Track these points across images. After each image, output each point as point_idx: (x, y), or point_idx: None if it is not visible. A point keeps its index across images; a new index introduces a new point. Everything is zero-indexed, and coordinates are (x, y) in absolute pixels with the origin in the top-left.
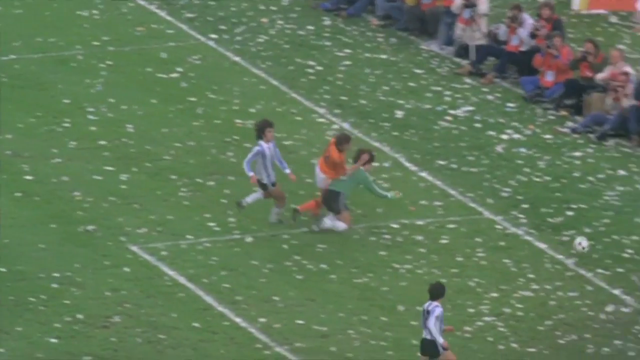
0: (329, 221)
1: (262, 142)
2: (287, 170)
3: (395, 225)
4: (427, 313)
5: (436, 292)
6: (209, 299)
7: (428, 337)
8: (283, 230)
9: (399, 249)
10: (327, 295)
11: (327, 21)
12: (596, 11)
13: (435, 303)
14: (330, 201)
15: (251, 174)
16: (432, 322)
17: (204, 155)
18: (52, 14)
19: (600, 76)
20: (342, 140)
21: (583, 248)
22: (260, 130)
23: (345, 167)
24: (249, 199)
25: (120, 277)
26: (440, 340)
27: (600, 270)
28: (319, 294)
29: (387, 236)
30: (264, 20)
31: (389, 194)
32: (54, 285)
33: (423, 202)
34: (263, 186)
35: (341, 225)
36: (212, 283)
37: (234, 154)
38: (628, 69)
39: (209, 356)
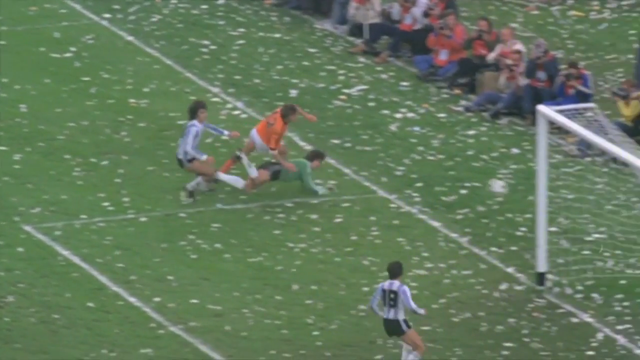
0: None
1: (196, 122)
2: (226, 132)
3: (289, 204)
4: (394, 293)
5: (397, 270)
6: (103, 279)
7: (392, 317)
8: (177, 210)
9: (293, 227)
10: (221, 275)
11: (220, 0)
12: None
13: (398, 282)
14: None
15: (203, 156)
16: (410, 302)
17: (98, 134)
18: None
19: (491, 55)
20: (289, 112)
21: (502, 187)
22: (194, 111)
23: (281, 142)
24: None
25: (13, 257)
26: (422, 311)
27: (494, 249)
28: (213, 273)
29: (281, 215)
30: None
31: (320, 190)
32: None
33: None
34: (184, 163)
35: (239, 182)
36: (106, 263)
37: (128, 133)
38: (520, 47)
39: (103, 335)
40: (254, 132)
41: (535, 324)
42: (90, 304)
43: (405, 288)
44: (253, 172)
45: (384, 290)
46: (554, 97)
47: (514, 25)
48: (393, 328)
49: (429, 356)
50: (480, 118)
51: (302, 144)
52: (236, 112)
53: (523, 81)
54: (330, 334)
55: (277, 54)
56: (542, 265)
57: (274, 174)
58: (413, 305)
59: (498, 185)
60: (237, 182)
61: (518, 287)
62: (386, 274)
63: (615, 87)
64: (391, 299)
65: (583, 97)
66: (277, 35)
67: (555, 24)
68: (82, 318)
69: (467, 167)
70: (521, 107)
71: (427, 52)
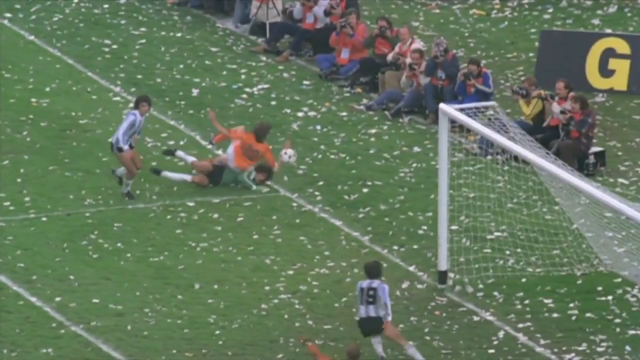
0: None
1: (136, 112)
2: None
3: (190, 204)
4: (372, 290)
5: (377, 270)
6: (3, 278)
7: (373, 314)
8: (79, 210)
9: (194, 227)
10: (122, 274)
11: None
12: None
13: (378, 281)
14: (217, 177)
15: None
16: (387, 299)
17: None
18: None
19: (390, 54)
20: (264, 132)
21: (289, 157)
22: (137, 102)
23: (272, 156)
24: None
25: None
26: (390, 317)
27: (395, 247)
28: (114, 272)
29: (182, 214)
30: None
31: (254, 186)
32: None
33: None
34: (114, 148)
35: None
36: (7, 262)
37: (29, 132)
38: (420, 45)
39: (3, 335)
40: (231, 153)
41: (436, 323)
42: None
43: (385, 286)
44: (190, 159)
45: (362, 289)
46: (455, 95)
47: (415, 23)
48: (375, 325)
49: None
50: (382, 117)
51: (204, 143)
52: None
53: (424, 80)
54: (232, 333)
55: (179, 53)
56: (443, 264)
57: (217, 169)
58: (388, 301)
59: (287, 156)
60: (185, 177)
61: (419, 286)
62: (289, 272)
63: (515, 86)
64: (370, 295)
65: (483, 96)
66: (179, 35)
67: (457, 22)
68: None
69: (369, 165)
70: (422, 105)
71: (329, 51)
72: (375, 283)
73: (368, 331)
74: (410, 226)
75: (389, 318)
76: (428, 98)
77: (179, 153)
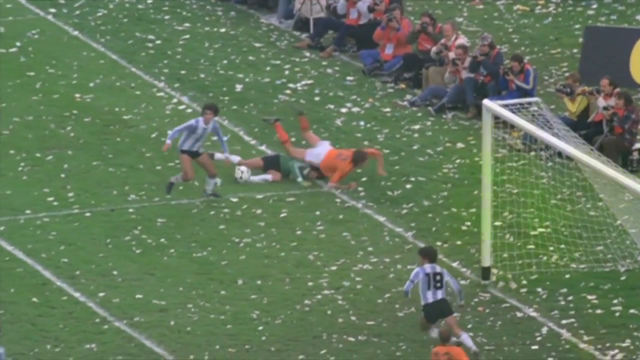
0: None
1: (200, 119)
2: (225, 155)
3: (234, 199)
4: (439, 275)
5: (435, 254)
6: (47, 274)
7: (440, 297)
8: (122, 205)
9: (238, 222)
10: (166, 270)
11: None
12: None
13: (438, 265)
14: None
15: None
16: (456, 282)
17: (43, 129)
18: None
19: (434, 48)
20: (361, 159)
21: (242, 173)
22: (202, 110)
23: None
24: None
25: None
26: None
27: (438, 243)
28: (158, 268)
29: (226, 210)
30: None
31: (300, 178)
32: None
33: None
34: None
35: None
36: (51, 258)
37: (73, 128)
38: (463, 41)
39: (47, 331)
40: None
41: (479, 318)
42: (35, 299)
43: (443, 270)
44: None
45: (427, 274)
46: (499, 91)
47: (459, 19)
48: (446, 308)
49: (374, 351)
50: (425, 112)
51: (247, 138)
52: (181, 107)
53: (467, 75)
54: (275, 329)
55: (223, 49)
56: (486, 260)
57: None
58: (454, 281)
59: (246, 171)
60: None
61: (463, 282)
62: (332, 268)
63: (559, 84)
64: (437, 280)
65: (524, 92)
66: (223, 30)
67: (501, 18)
68: (26, 313)
69: (413, 161)
70: (465, 101)
71: (373, 47)
72: (439, 268)
73: (439, 314)
74: (454, 222)
75: (462, 303)
76: (468, 92)
77: (219, 156)
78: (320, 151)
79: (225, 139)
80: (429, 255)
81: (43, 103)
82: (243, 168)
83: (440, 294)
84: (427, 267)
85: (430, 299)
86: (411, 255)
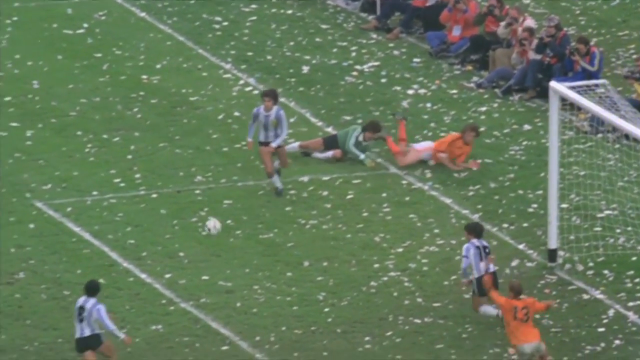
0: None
1: (261, 107)
2: (273, 145)
3: (300, 181)
4: (487, 248)
5: (481, 230)
6: (114, 255)
7: (492, 269)
8: (189, 186)
9: (304, 204)
10: (232, 251)
11: None
12: None
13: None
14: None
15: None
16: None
17: (110, 111)
18: None
19: (500, 30)
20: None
21: (211, 229)
22: (261, 96)
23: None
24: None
25: (24, 234)
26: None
27: (505, 225)
28: (224, 249)
29: (292, 192)
30: None
31: (362, 156)
32: None
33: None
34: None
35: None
36: (118, 239)
37: (140, 109)
38: (531, 22)
39: (114, 312)
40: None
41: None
42: (101, 281)
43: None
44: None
45: (477, 247)
46: (565, 72)
47: (526, 1)
48: (496, 280)
49: (440, 332)
50: (492, 94)
51: (313, 120)
52: (248, 89)
53: (534, 57)
54: (341, 311)
55: (289, 31)
56: (553, 242)
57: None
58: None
59: (213, 226)
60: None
61: (529, 264)
62: (398, 250)
63: (626, 69)
64: (487, 252)
65: (588, 75)
66: (290, 12)
67: (568, 0)
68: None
69: (479, 143)
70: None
71: (439, 29)
72: (485, 241)
73: (493, 286)
74: (520, 204)
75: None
76: (530, 73)
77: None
78: (424, 156)
79: (284, 134)
80: (475, 231)
81: (110, 84)
82: (210, 225)
83: (491, 267)
84: (475, 242)
85: (483, 271)
86: None
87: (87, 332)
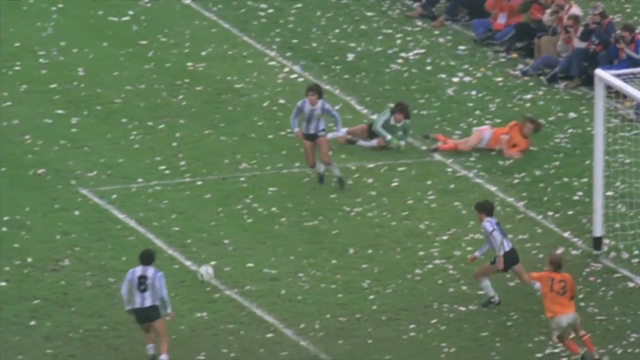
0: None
1: (306, 100)
2: (339, 134)
3: (345, 168)
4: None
5: (492, 207)
6: (159, 242)
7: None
8: (234, 174)
9: (349, 192)
10: (277, 239)
11: None
12: None
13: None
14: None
15: (296, 129)
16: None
17: (155, 98)
18: None
19: (546, 18)
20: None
21: (203, 276)
22: (306, 91)
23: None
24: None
25: (70, 221)
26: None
27: (550, 213)
28: (269, 237)
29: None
30: None
31: (389, 137)
32: (4, 229)
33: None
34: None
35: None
36: (162, 226)
37: (185, 96)
38: (576, 10)
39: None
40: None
41: (591, 289)
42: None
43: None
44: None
45: (497, 223)
46: (610, 60)
47: None
48: (517, 255)
49: (485, 320)
50: (537, 82)
51: (359, 107)
52: (293, 76)
53: (578, 44)
54: (386, 298)
55: (335, 18)
56: (598, 230)
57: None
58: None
59: (206, 272)
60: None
61: (574, 252)
62: (443, 238)
63: None
64: (503, 229)
65: (634, 62)
66: None
67: None
68: None
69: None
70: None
71: (485, 16)
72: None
73: (515, 260)
74: (565, 192)
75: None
76: (575, 61)
77: (331, 135)
78: (485, 136)
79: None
80: (485, 209)
81: (155, 72)
82: (203, 271)
83: (508, 243)
84: (492, 219)
85: (507, 248)
86: (522, 225)
87: (148, 303)
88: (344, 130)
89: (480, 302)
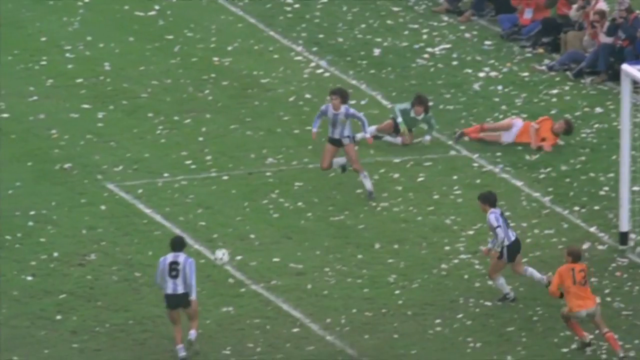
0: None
1: (329, 105)
2: (367, 135)
3: (371, 163)
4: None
5: (495, 198)
6: (185, 237)
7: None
8: (260, 168)
9: (375, 186)
10: (303, 233)
11: None
12: None
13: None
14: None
15: (314, 130)
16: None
17: (181, 93)
18: None
19: (572, 13)
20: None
21: (221, 259)
22: (329, 94)
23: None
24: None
25: (96, 215)
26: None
27: (576, 208)
28: (295, 231)
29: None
30: None
31: (400, 119)
32: (30, 223)
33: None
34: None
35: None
36: (189, 221)
37: (211, 91)
38: (602, 6)
39: None
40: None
41: (617, 283)
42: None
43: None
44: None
45: (502, 215)
46: (636, 55)
47: None
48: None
49: (510, 315)
50: (564, 77)
51: (385, 102)
52: (319, 71)
53: (604, 39)
54: (412, 293)
55: (361, 13)
56: (624, 225)
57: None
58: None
59: (222, 255)
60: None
61: (600, 247)
62: (469, 232)
63: None
64: (507, 220)
65: None
66: None
67: None
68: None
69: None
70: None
71: (511, 11)
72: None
73: (518, 250)
74: (592, 187)
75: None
76: (601, 57)
77: (359, 136)
78: (516, 124)
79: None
80: (489, 200)
81: (181, 66)
82: (219, 255)
83: (513, 234)
84: (496, 210)
85: (513, 237)
86: (548, 220)
87: (181, 290)
88: (372, 129)
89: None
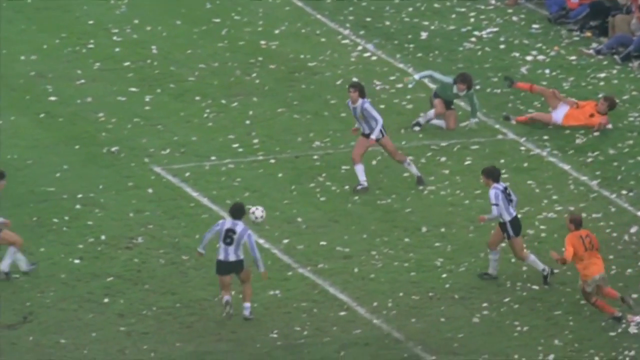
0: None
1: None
2: (372, 137)
3: (418, 147)
4: (509, 190)
5: (499, 173)
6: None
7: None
8: (307, 152)
9: (422, 170)
10: (350, 217)
11: None
12: None
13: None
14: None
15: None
16: None
17: (228, 76)
18: None
19: None
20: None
21: (257, 218)
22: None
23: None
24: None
25: (143, 199)
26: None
27: (624, 192)
28: (342, 215)
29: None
30: None
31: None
32: (78, 207)
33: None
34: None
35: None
36: None
37: (258, 75)
38: None
39: None
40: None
41: None
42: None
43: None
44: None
45: (503, 191)
46: None
47: None
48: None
49: (558, 299)
50: (611, 61)
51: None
52: (366, 55)
53: None
54: (459, 277)
55: None
56: None
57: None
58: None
59: (261, 213)
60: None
61: None
62: (518, 216)
63: None
64: (509, 195)
65: None
66: None
67: None
68: (210, 259)
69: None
70: None
71: None
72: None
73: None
74: (639, 171)
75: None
76: None
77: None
78: (561, 113)
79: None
80: (493, 175)
81: (228, 50)
82: (258, 214)
83: (514, 210)
84: (499, 186)
85: (514, 213)
86: (596, 204)
87: (233, 257)
88: (430, 115)
89: (553, 280)
